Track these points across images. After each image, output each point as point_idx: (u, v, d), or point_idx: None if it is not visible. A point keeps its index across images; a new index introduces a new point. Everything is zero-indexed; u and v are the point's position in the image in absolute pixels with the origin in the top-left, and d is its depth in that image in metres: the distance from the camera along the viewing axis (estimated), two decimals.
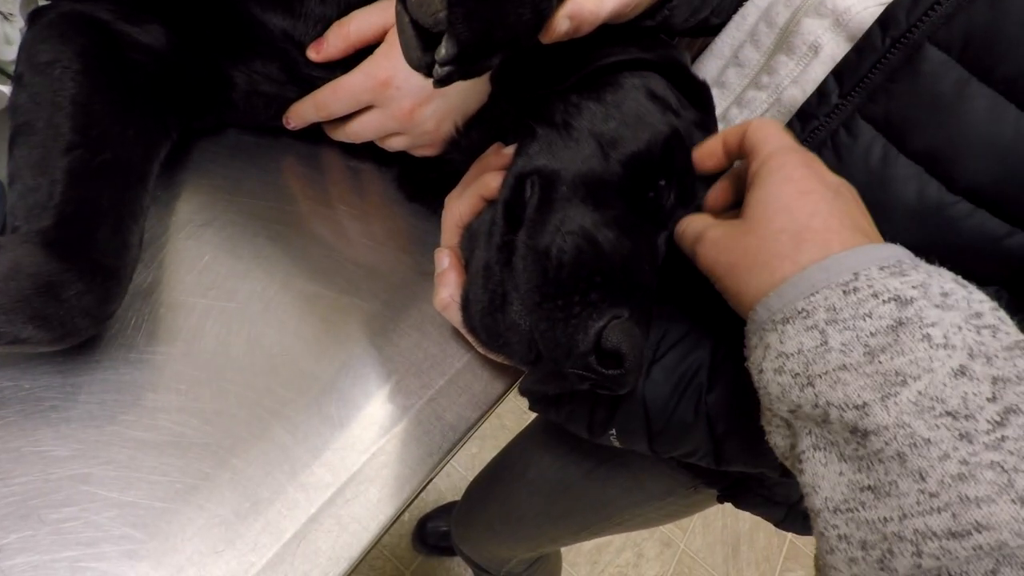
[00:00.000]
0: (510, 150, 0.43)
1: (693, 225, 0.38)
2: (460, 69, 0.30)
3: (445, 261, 0.43)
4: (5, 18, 0.52)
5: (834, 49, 0.41)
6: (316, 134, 0.56)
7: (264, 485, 0.40)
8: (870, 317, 0.28)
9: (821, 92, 0.40)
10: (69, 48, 0.44)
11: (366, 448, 0.43)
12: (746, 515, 0.65)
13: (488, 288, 0.37)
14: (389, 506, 0.41)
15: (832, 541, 0.28)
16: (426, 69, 0.31)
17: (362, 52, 0.49)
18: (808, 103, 0.41)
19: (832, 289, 0.29)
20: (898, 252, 0.31)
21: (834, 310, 0.29)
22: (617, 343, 0.33)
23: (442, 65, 0.30)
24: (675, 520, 0.77)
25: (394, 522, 0.41)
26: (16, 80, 0.44)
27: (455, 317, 0.41)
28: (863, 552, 0.26)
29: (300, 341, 0.47)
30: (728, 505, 0.63)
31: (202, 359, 0.44)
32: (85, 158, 0.40)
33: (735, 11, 0.48)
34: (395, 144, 0.53)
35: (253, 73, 0.52)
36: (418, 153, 0.53)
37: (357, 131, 0.52)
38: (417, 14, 0.30)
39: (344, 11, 0.48)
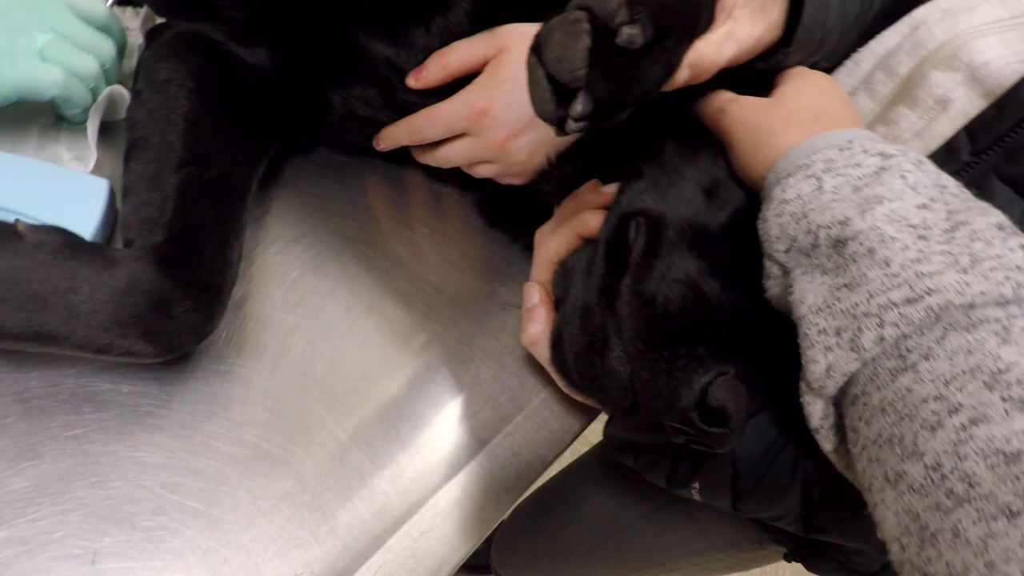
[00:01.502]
0: (610, 189, 0.42)
1: (717, 97, 0.41)
2: (592, 124, 0.30)
3: (535, 297, 0.43)
4: (126, 32, 0.54)
5: (966, 105, 0.39)
6: (402, 155, 0.57)
7: (343, 510, 0.40)
8: (858, 166, 0.34)
9: (950, 148, 0.39)
10: (184, 67, 0.46)
11: (443, 480, 0.43)
12: None
13: (587, 330, 0.37)
14: (464, 542, 0.41)
15: (813, 337, 0.33)
16: (557, 122, 0.31)
17: (459, 81, 0.50)
18: (933, 157, 0.39)
19: (830, 149, 0.35)
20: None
21: (830, 161, 0.34)
22: (723, 401, 0.32)
23: (576, 120, 0.30)
24: (733, 573, 0.74)
25: (468, 556, 0.41)
26: (135, 95, 0.45)
27: (543, 354, 0.41)
28: (837, 338, 0.31)
29: (381, 364, 0.47)
30: (795, 564, 0.60)
31: (287, 375, 0.44)
32: (194, 175, 0.42)
33: (847, 56, 0.47)
34: (483, 172, 0.53)
35: (351, 97, 0.53)
36: (505, 181, 0.53)
37: (447, 157, 0.53)
38: (554, 69, 0.30)
39: (446, 41, 0.49)
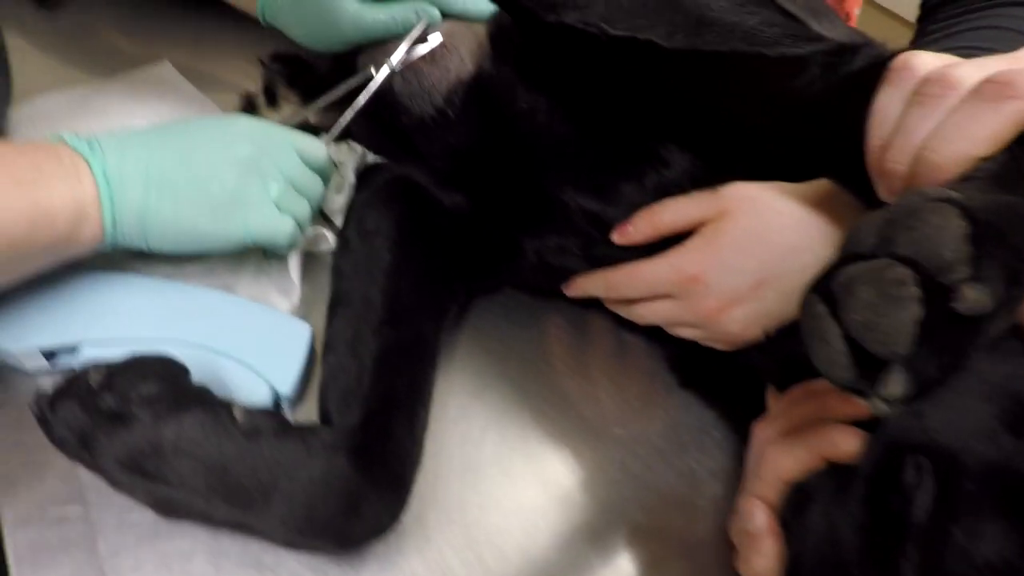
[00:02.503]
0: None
1: None
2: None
3: (760, 520, 0.36)
4: (336, 167, 0.56)
5: None
6: (590, 299, 0.53)
7: None
8: None
9: None
10: (390, 217, 0.46)
11: None
12: None
13: None
14: None
15: None
16: (855, 390, 0.25)
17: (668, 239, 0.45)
18: None
19: None
20: None
21: None
22: None
23: (887, 402, 0.24)
24: None
25: None
26: (343, 242, 0.46)
27: None
28: None
29: (566, 556, 0.42)
30: None
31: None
32: (391, 337, 0.41)
33: None
34: (685, 334, 0.47)
35: (546, 246, 0.50)
36: (708, 344, 0.47)
37: (644, 315, 0.48)
38: (860, 335, 0.23)
39: (659, 198, 0.45)
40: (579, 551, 0.42)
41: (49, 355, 0.40)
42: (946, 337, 0.23)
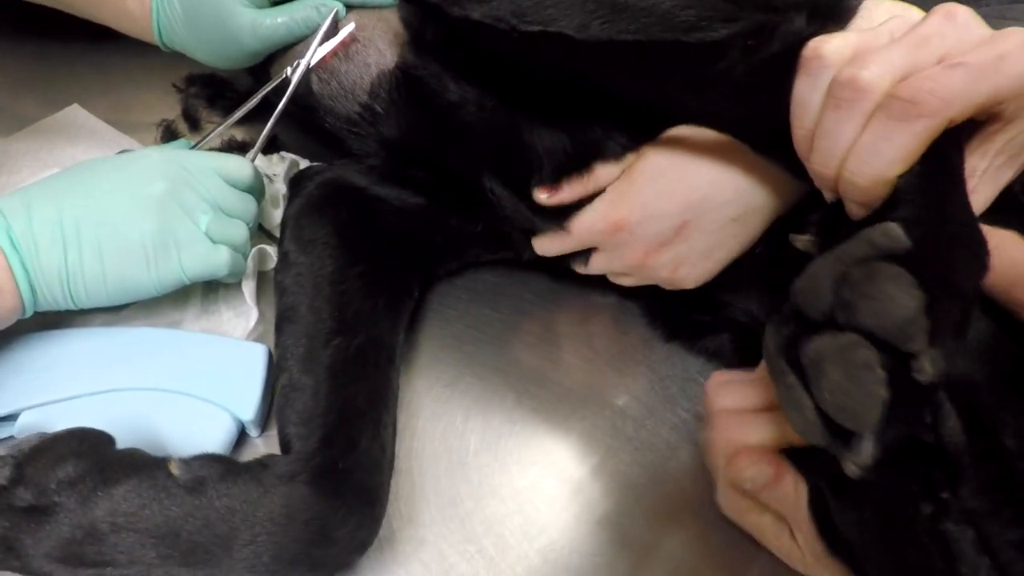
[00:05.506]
0: None
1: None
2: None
3: (763, 472, 0.34)
4: (270, 180, 0.54)
5: None
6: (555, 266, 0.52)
7: None
8: None
9: None
10: (327, 222, 0.44)
11: None
12: None
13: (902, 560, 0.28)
14: None
15: None
16: (827, 447, 0.25)
17: None
18: None
19: None
20: None
21: None
22: None
23: (858, 466, 0.24)
24: None
25: None
26: (283, 257, 0.44)
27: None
28: None
29: (570, 533, 0.40)
30: None
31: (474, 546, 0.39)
32: (343, 347, 0.39)
33: None
34: (626, 282, 0.47)
35: (496, 229, 0.48)
36: (668, 287, 0.46)
37: (587, 270, 0.47)
38: (831, 411, 0.24)
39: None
40: (582, 526, 0.41)
41: None
42: (908, 406, 0.23)
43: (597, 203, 0.42)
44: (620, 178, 0.42)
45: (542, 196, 0.42)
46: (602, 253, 0.44)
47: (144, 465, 0.32)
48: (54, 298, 0.37)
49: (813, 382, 0.24)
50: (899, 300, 0.23)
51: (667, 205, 0.40)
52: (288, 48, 0.50)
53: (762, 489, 0.35)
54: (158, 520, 0.30)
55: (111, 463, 0.32)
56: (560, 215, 0.44)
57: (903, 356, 0.23)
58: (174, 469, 0.32)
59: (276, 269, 0.44)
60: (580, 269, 0.47)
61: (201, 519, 0.30)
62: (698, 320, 0.47)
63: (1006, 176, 0.31)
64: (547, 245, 0.46)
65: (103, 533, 0.30)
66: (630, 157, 0.40)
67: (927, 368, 0.22)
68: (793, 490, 0.34)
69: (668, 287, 0.45)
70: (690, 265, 0.42)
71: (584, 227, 0.43)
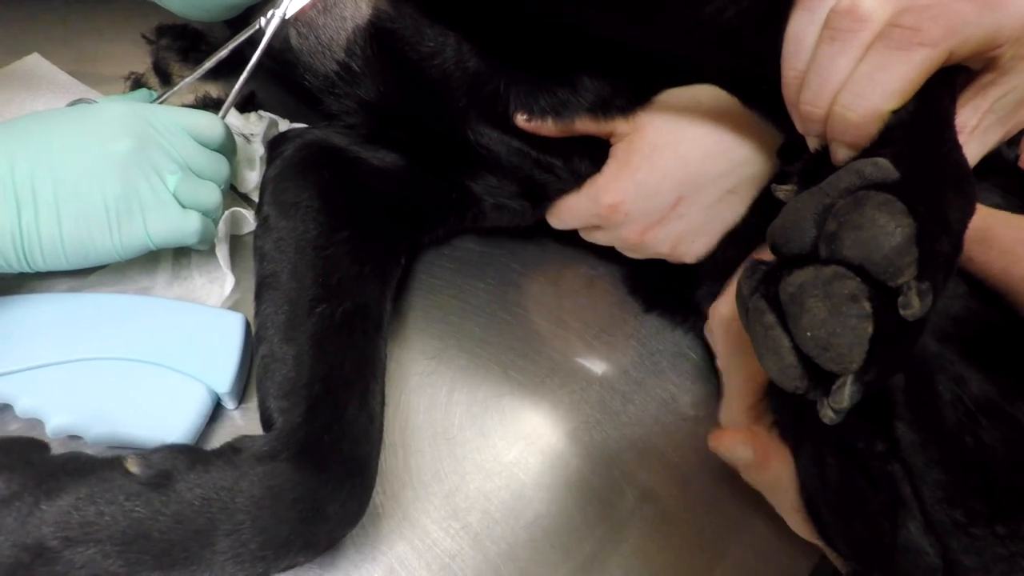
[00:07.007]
0: None
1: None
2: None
3: (747, 453, 0.34)
4: (247, 140, 0.51)
5: None
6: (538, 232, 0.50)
7: None
8: None
9: None
10: (310, 185, 0.41)
11: None
12: None
13: (854, 496, 0.27)
14: None
15: None
16: (805, 394, 0.24)
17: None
18: None
19: None
20: None
21: None
22: None
23: (836, 411, 0.22)
24: None
25: None
26: (262, 221, 0.42)
27: (803, 527, 0.32)
28: None
29: (556, 508, 0.40)
30: None
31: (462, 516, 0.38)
32: (328, 314, 0.37)
33: None
34: (632, 255, 0.45)
35: (488, 185, 0.46)
36: (673, 262, 0.45)
37: (590, 241, 0.46)
38: (811, 351, 0.22)
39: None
40: (569, 501, 0.40)
41: None
42: (893, 345, 0.22)
43: (589, 184, 0.42)
44: (611, 157, 0.40)
45: (521, 118, 0.40)
46: (603, 232, 0.44)
47: (93, 468, 0.28)
48: (6, 260, 0.34)
49: (792, 320, 0.23)
50: (888, 228, 0.21)
51: (662, 182, 0.39)
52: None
53: (746, 470, 0.34)
54: (121, 526, 0.27)
55: (51, 472, 0.28)
56: (550, 148, 0.42)
57: (890, 293, 0.21)
58: (132, 467, 0.29)
59: (255, 234, 0.42)
60: (587, 237, 0.46)
61: (171, 516, 0.28)
62: (677, 292, 0.46)
63: (994, 137, 0.30)
64: (554, 221, 0.45)
65: (55, 551, 0.26)
66: (619, 119, 0.39)
67: (915, 302, 0.21)
68: (779, 475, 0.33)
69: (673, 261, 0.44)
70: (689, 240, 0.41)
71: (581, 209, 0.42)
